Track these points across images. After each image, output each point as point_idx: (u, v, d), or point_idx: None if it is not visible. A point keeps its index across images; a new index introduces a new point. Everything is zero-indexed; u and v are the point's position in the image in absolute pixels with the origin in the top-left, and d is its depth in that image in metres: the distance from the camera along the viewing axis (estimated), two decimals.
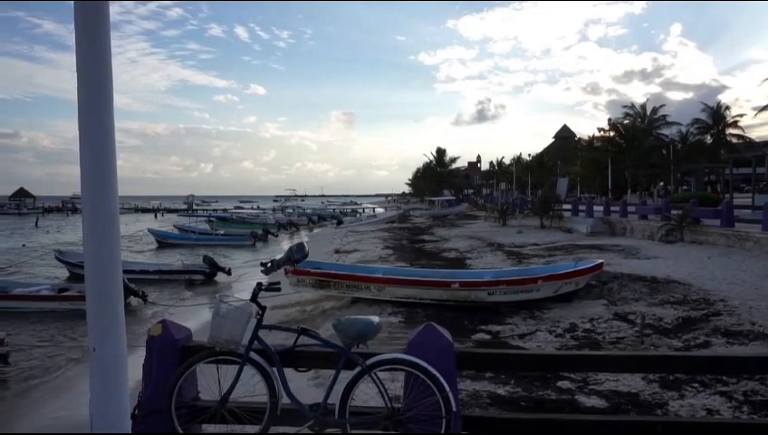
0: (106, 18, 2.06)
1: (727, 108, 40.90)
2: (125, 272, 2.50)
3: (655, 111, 43.61)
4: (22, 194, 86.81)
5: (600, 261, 10.68)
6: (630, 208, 24.40)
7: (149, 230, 33.00)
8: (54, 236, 39.60)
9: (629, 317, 8.38)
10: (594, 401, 5.31)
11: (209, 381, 3.35)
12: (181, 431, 3.20)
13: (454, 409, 2.95)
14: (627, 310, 8.80)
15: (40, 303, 13.10)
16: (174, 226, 38.56)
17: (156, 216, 67.97)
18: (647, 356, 4.39)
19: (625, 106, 45.09)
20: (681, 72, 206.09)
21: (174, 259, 22.03)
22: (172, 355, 3.33)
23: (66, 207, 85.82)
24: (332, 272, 11.08)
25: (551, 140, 70.65)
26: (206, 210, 64.34)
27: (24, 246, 31.32)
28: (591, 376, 5.91)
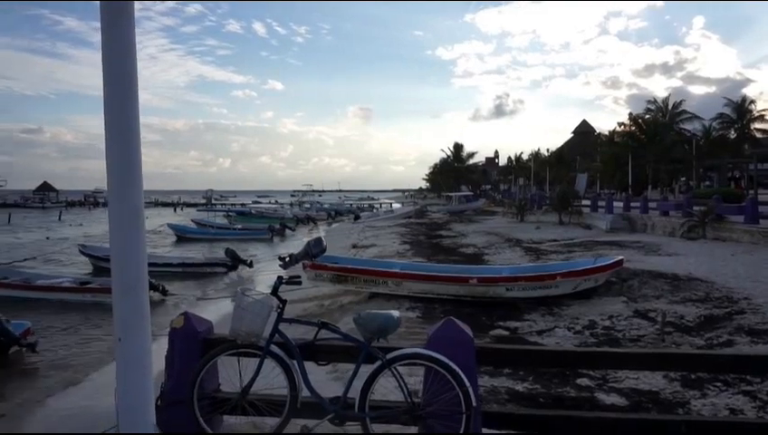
0: (131, 17, 2.10)
1: (752, 102, 40.15)
2: (149, 265, 2.54)
3: (677, 105, 42.83)
4: (45, 188, 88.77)
5: (620, 258, 10.54)
6: (651, 204, 24.03)
7: (169, 225, 33.44)
8: (77, 229, 40.41)
9: (650, 315, 8.27)
10: (614, 399, 5.25)
11: (230, 374, 3.39)
12: (203, 422, 3.25)
13: (474, 404, 2.94)
14: (647, 307, 8.68)
15: (62, 294, 13.34)
16: (192, 220, 39.01)
17: (175, 210, 68.87)
18: (669, 354, 4.34)
19: (649, 101, 44.28)
20: (704, 65, 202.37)
21: (193, 253, 22.36)
22: (194, 347, 3.38)
23: (88, 201, 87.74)
24: (350, 267, 11.10)
25: (569, 136, 69.87)
26: (225, 205, 65.00)
27: (47, 238, 32.03)
28: (611, 374, 5.84)
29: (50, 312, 11.93)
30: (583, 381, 5.73)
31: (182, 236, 31.20)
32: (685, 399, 5.20)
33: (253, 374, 3.26)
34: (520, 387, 5.61)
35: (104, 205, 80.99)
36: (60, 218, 51.67)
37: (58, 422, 5.94)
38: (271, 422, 3.28)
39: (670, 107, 42.88)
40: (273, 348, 3.25)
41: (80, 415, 5.88)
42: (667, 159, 37.21)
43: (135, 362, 2.28)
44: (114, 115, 2.11)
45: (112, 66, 2.10)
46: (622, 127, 44.69)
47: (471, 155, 73.56)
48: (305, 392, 3.23)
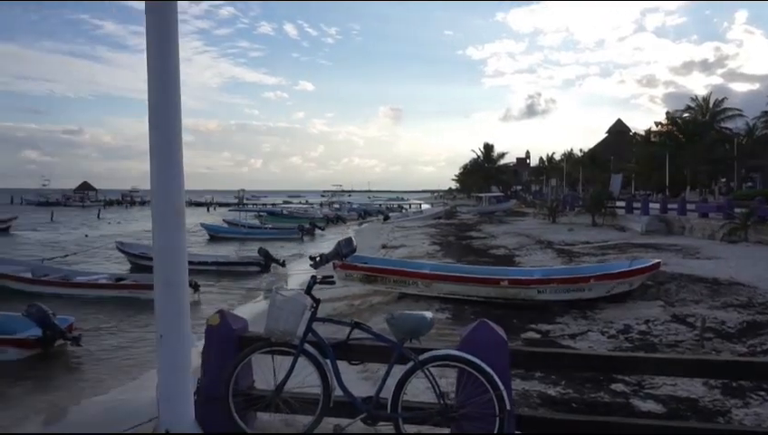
0: (174, 19, 2.15)
1: None
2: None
3: (718, 103, 41.38)
4: (85, 187, 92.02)
5: (657, 260, 10.27)
6: (690, 206, 23.34)
7: (202, 224, 34.14)
8: (115, 227, 41.75)
9: (688, 320, 8.03)
10: (650, 406, 5.12)
11: (264, 371, 3.44)
12: (237, 418, 3.30)
13: (508, 407, 2.92)
14: (685, 312, 8.44)
15: (99, 290, 13.83)
16: (223, 220, 39.70)
17: (208, 209, 70.20)
18: (709, 360, 4.21)
19: (693, 99, 42.87)
20: (747, 61, 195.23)
21: (224, 252, 22.79)
22: (230, 344, 3.43)
23: (125, 199, 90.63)
24: (380, 267, 11.12)
25: (603, 135, 68.33)
26: (256, 205, 65.89)
27: (86, 236, 33.15)
28: (647, 379, 5.70)
29: (89, 308, 12.33)
30: (618, 387, 5.61)
31: (215, 236, 31.81)
32: (726, 407, 5.03)
33: (287, 372, 3.29)
34: (552, 391, 5.53)
35: (140, 203, 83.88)
36: (98, 216, 53.44)
37: (103, 413, 6.15)
38: (303, 421, 3.30)
39: (711, 105, 41.50)
40: (307, 347, 3.28)
41: (121, 407, 6.06)
42: (706, 160, 36.00)
43: (175, 358, 2.35)
44: (158, 117, 2.17)
45: (156, 68, 2.16)
46: (659, 126, 43.50)
47: (502, 155, 72.76)
48: (338, 391, 3.25)
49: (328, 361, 3.26)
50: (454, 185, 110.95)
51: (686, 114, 41.73)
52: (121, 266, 19.54)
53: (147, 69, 2.15)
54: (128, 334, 10.39)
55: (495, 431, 2.93)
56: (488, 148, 72.48)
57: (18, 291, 13.81)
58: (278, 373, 3.33)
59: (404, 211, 59.63)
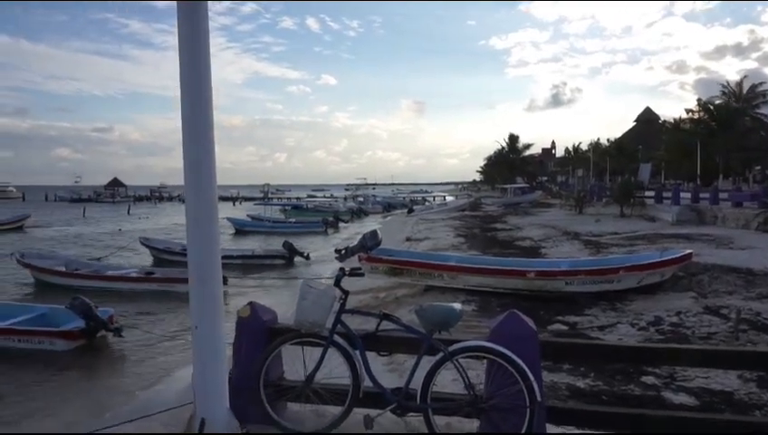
0: (205, 17, 2.18)
1: None
2: None
3: (752, 88, 39.98)
4: (115, 184, 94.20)
5: (689, 251, 10.04)
6: (722, 195, 22.70)
7: (228, 218, 34.68)
8: (145, 222, 42.78)
9: (722, 311, 7.85)
10: (682, 399, 5.04)
11: (294, 362, 3.49)
12: (269, 408, 3.35)
13: (538, 399, 2.90)
14: (719, 303, 8.25)
15: (131, 284, 14.23)
16: (247, 214, 40.22)
17: (234, 204, 71.17)
18: (744, 352, 4.11)
19: (725, 84, 41.48)
20: None
21: (250, 245, 23.12)
22: (260, 336, 3.48)
23: (154, 195, 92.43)
24: (405, 259, 11.15)
25: (632, 124, 66.87)
26: (281, 199, 66.45)
27: (119, 230, 34.12)
28: (679, 372, 5.60)
29: (122, 300, 12.68)
30: (649, 380, 5.52)
31: (240, 230, 32.28)
32: (762, 401, 4.92)
33: (316, 363, 3.33)
34: (581, 383, 5.48)
35: (168, 199, 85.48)
36: (128, 212, 54.69)
37: (143, 401, 6.36)
38: (333, 411, 3.33)
39: (744, 91, 40.15)
40: (336, 338, 3.30)
41: (157, 397, 6.25)
42: (740, 147, 34.88)
43: (210, 349, 2.40)
44: (191, 113, 2.20)
45: (188, 65, 2.19)
46: (690, 113, 42.27)
47: (527, 146, 71.85)
48: (367, 382, 3.27)
49: (357, 352, 3.28)
50: (478, 177, 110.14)
51: (718, 100, 40.44)
52: (143, 260, 19.90)
53: (179, 66, 2.17)
54: (162, 326, 10.67)
55: (525, 423, 2.91)
56: (513, 138, 71.67)
57: (54, 284, 14.35)
58: (307, 364, 3.36)
59: (428, 204, 59.40)
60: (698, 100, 42.59)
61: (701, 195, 24.29)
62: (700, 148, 33.92)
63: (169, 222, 40.15)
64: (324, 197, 72.94)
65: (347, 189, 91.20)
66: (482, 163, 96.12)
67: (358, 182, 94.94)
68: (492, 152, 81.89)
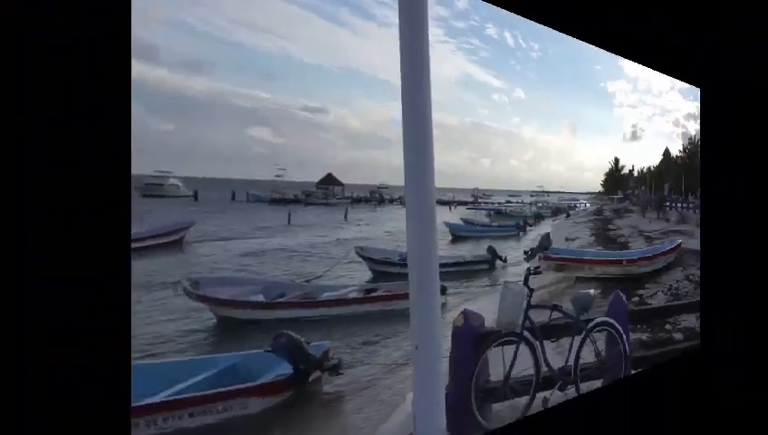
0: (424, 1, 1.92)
1: None
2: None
3: None
4: (330, 181, 59.42)
5: (679, 241, 12.58)
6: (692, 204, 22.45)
7: (446, 223, 30.26)
8: (365, 229, 21.86)
9: (691, 278, 9.81)
10: (678, 336, 6.03)
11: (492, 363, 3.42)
12: (481, 419, 3.30)
13: (628, 353, 3.76)
14: (691, 273, 10.16)
15: (350, 307, 10.50)
16: (461, 218, 37.48)
17: (450, 208, 57.36)
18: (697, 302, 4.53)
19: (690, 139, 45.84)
20: None
21: (461, 251, 21.00)
22: (472, 343, 3.41)
23: (374, 197, 66.43)
24: (566, 256, 12.57)
25: (660, 158, 74.02)
26: (488, 203, 65.44)
27: (337, 240, 24.02)
28: (678, 320, 6.62)
29: (334, 326, 9.49)
30: (667, 326, 6.77)
31: (456, 235, 30.13)
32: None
33: (512, 360, 3.46)
34: (644, 337, 6.58)
35: (390, 202, 61.89)
36: (345, 217, 38.16)
37: None
38: (522, 401, 3.52)
39: None
40: (525, 333, 3.49)
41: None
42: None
43: (431, 368, 2.07)
44: (410, 104, 1.92)
45: (409, 48, 1.91)
46: (680, 152, 49.01)
47: (623, 167, 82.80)
48: (543, 368, 3.53)
49: (538, 342, 3.52)
50: (601, 188, 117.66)
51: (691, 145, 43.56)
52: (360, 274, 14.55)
53: (399, 51, 1.85)
54: (383, 352, 8.01)
55: (623, 371, 3.71)
56: (617, 161, 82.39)
57: (249, 321, 9.26)
58: (497, 363, 3.41)
59: (577, 209, 65.50)
60: (690, 139, 50.66)
61: (683, 205, 29.89)
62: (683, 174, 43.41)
63: (385, 230, 22.08)
64: (517, 202, 71.01)
65: (532, 196, 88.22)
66: (602, 178, 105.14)
67: (538, 190, 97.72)
68: (607, 170, 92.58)
